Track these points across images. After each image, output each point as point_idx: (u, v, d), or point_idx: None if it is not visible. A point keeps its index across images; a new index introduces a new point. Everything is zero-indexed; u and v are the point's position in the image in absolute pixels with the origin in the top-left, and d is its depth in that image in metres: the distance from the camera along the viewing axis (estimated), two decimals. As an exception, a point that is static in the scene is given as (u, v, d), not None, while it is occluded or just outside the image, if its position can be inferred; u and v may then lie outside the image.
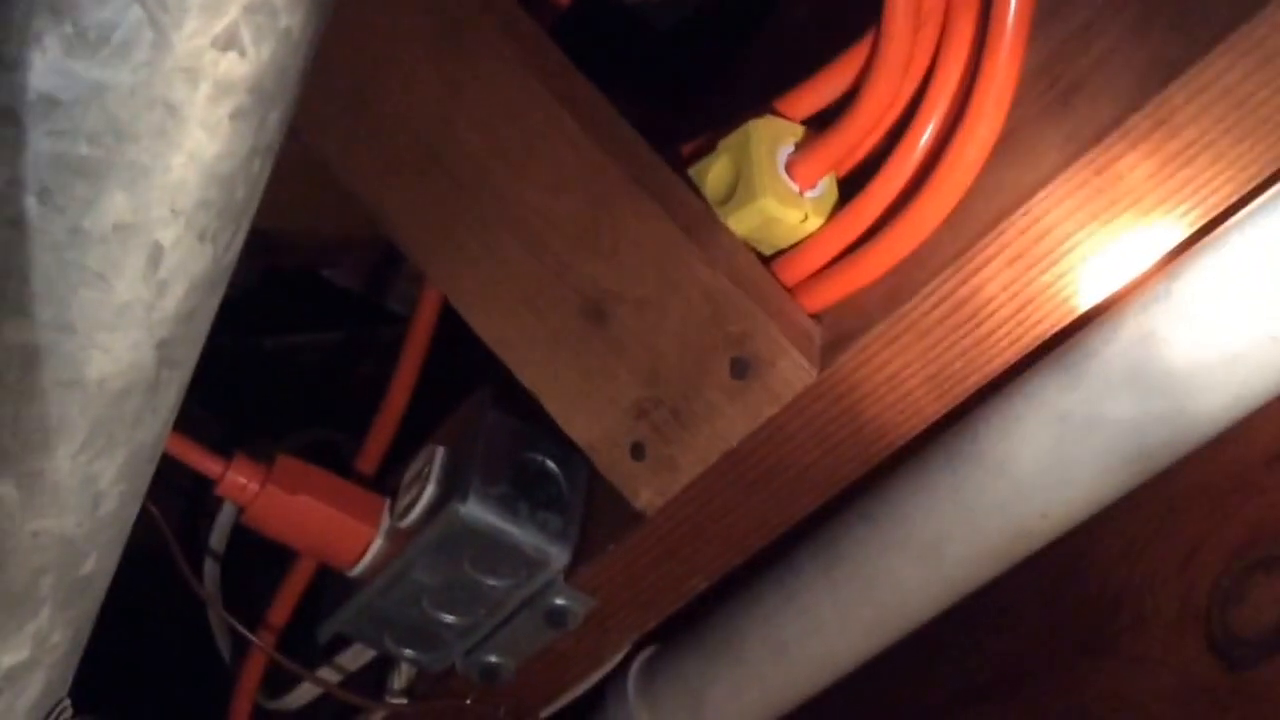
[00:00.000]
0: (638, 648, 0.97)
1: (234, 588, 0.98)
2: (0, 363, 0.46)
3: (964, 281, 0.62)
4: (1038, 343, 0.64)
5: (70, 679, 0.62)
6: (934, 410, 0.66)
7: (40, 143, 0.42)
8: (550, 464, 0.78)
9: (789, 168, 0.67)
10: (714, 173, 0.68)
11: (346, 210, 0.87)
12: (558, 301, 0.69)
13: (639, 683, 0.98)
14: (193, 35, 0.43)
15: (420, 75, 0.67)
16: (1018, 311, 0.63)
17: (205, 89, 0.44)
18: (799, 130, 0.69)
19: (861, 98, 0.65)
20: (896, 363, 0.65)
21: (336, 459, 0.88)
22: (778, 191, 0.66)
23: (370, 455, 0.89)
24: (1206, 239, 0.64)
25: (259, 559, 0.97)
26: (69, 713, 0.63)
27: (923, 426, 0.67)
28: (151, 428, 0.53)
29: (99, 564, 0.57)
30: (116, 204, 0.44)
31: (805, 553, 0.84)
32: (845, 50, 0.67)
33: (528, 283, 0.69)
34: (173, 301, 0.49)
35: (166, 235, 0.46)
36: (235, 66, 0.45)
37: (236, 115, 0.46)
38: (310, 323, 1.17)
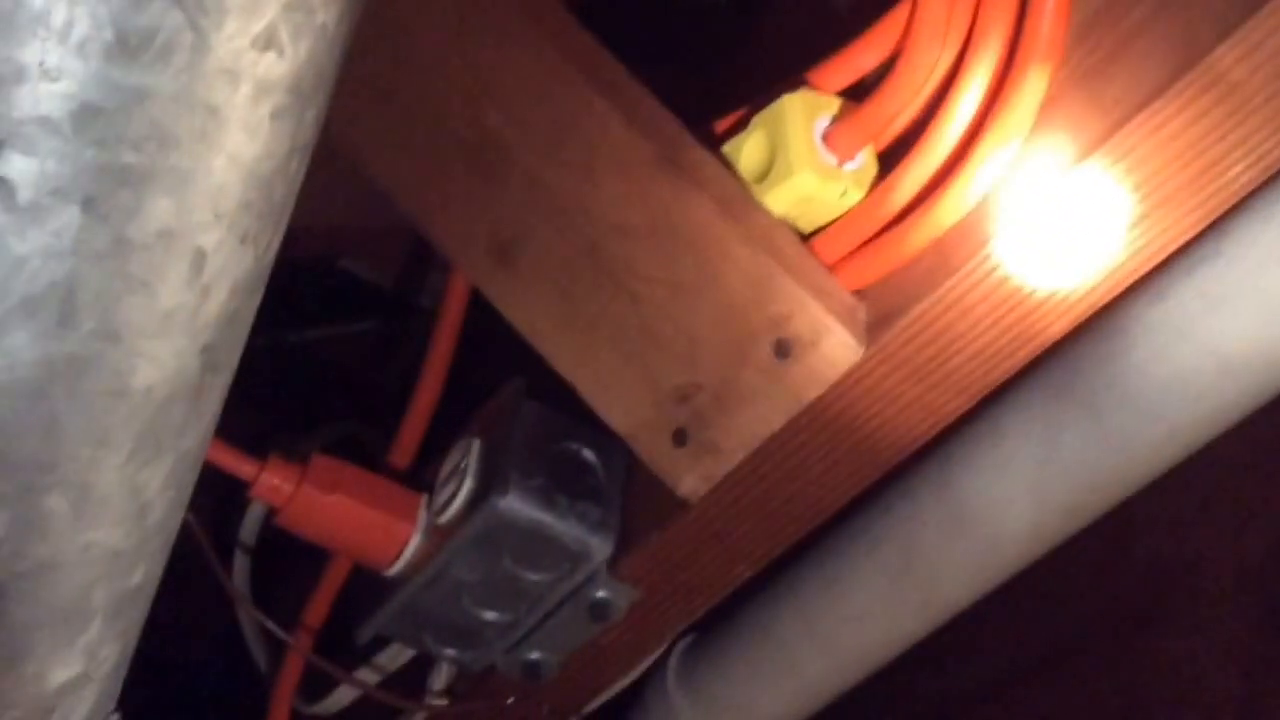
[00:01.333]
0: (675, 637, 0.96)
1: (266, 592, 0.98)
2: (47, 375, 0.45)
3: (1015, 250, 0.61)
4: (1090, 313, 0.63)
5: (118, 692, 0.62)
6: (983, 385, 0.66)
7: (84, 153, 0.41)
8: (588, 453, 0.77)
9: (826, 140, 0.66)
10: (748, 149, 0.67)
11: (358, 201, 0.86)
12: (592, 288, 0.68)
13: (678, 673, 0.98)
14: (232, 36, 0.42)
15: (445, 63, 0.66)
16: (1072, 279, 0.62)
17: (246, 90, 0.44)
18: (835, 102, 0.67)
19: (900, 65, 0.63)
20: (944, 338, 0.64)
21: (364, 454, 0.87)
22: (816, 165, 0.65)
23: (402, 450, 0.88)
24: (1256, 197, 0.63)
25: (289, 563, 0.97)
26: (118, 726, 0.62)
27: (972, 402, 0.66)
28: (196, 434, 0.52)
29: (147, 574, 0.56)
30: (160, 210, 0.44)
31: (844, 535, 0.83)
32: (880, 17, 0.65)
33: (561, 270, 0.68)
34: (216, 306, 0.48)
35: (209, 239, 0.46)
36: (274, 66, 0.44)
37: (276, 115, 0.46)
38: (331, 317, 1.16)
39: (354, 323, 1.19)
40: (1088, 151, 0.59)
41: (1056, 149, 0.60)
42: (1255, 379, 0.66)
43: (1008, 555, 0.76)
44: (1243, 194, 0.60)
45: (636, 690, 0.98)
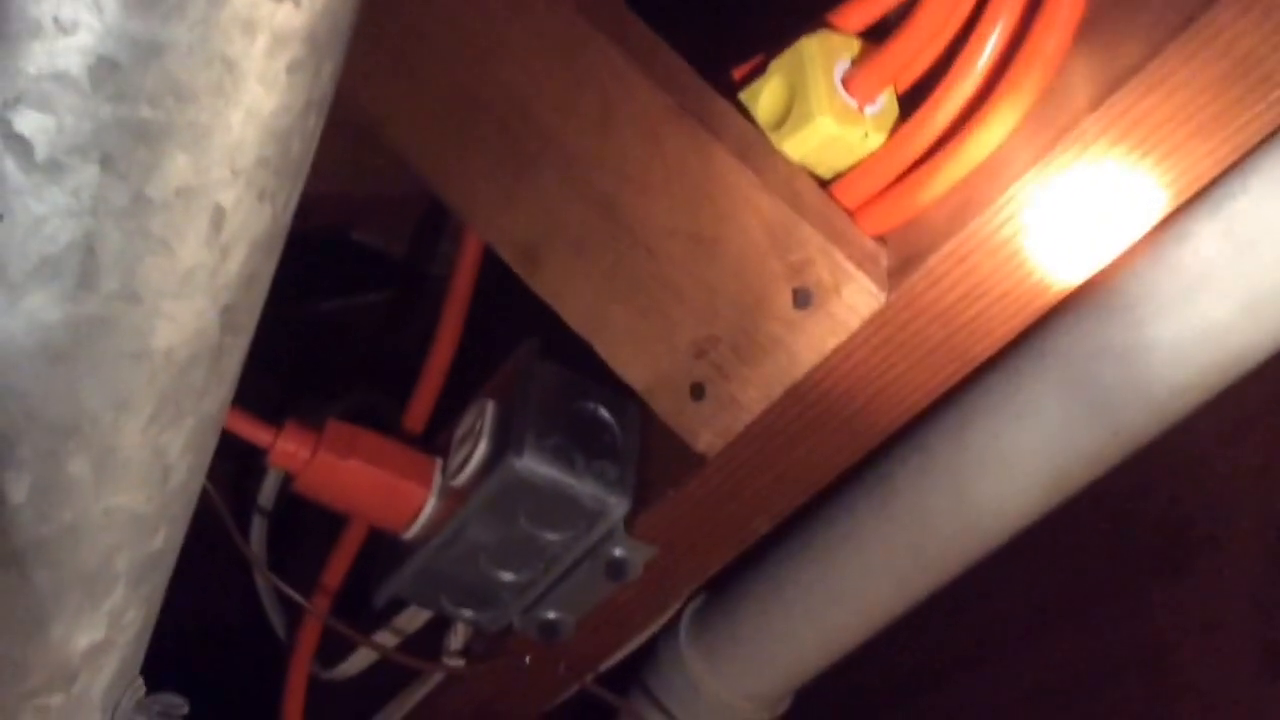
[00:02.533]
0: (688, 596, 0.96)
1: (282, 557, 0.98)
2: (68, 338, 0.45)
3: (1039, 192, 0.60)
4: (1110, 259, 0.62)
5: (142, 658, 0.62)
6: (1008, 330, 0.64)
7: (101, 109, 0.41)
8: (603, 412, 0.77)
9: (846, 83, 0.65)
10: (766, 95, 0.66)
11: (368, 169, 0.86)
12: (609, 242, 0.67)
13: (691, 631, 0.98)
14: (249, -14, 0.42)
15: (459, 17, 0.65)
16: (1098, 220, 0.61)
17: (262, 41, 0.43)
18: (854, 44, 0.66)
19: (922, 4, 0.62)
20: (968, 282, 0.62)
21: (378, 421, 0.87)
22: (836, 109, 0.64)
23: (416, 414, 0.88)
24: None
25: (306, 529, 0.97)
26: (141, 692, 0.62)
27: (996, 348, 0.65)
28: (216, 396, 0.52)
29: (168, 539, 0.56)
30: (179, 167, 0.43)
31: (857, 489, 0.83)
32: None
33: (577, 226, 0.68)
34: (235, 265, 0.48)
35: (228, 197, 0.45)
36: (291, 16, 0.44)
37: (293, 68, 0.45)
38: (342, 287, 1.16)
39: (366, 293, 1.19)
40: (1123, 79, 0.57)
41: (1092, 79, 0.59)
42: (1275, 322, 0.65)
43: (1019, 505, 0.76)
44: (1266, 131, 0.58)
45: (650, 648, 0.98)
